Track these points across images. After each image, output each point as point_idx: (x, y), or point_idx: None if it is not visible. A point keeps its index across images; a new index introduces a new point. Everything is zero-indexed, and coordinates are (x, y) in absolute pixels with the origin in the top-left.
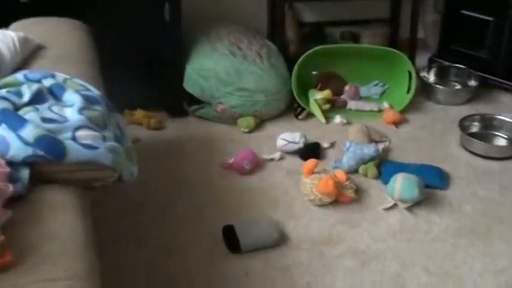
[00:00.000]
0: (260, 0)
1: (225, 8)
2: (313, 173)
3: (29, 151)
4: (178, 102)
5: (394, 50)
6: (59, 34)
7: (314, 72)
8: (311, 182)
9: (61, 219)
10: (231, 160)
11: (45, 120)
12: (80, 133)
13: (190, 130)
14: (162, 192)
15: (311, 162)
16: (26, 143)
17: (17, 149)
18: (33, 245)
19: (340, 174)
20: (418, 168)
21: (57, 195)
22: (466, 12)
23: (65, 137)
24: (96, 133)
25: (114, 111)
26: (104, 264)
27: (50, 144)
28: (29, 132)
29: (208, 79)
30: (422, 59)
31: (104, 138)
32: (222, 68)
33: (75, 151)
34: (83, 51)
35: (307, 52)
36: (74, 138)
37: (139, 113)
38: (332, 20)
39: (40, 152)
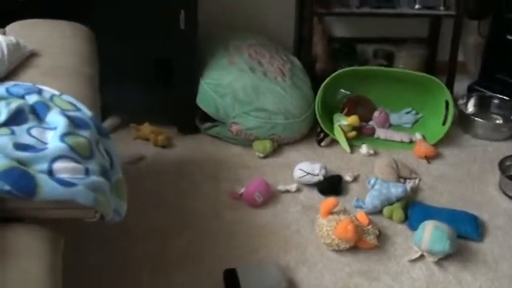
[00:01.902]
0: (287, 11)
1: (247, 18)
2: (331, 213)
3: None
4: (190, 118)
5: (431, 77)
6: (57, 40)
7: (342, 91)
8: (328, 224)
9: (22, 269)
10: (242, 190)
11: (18, 147)
12: (58, 165)
13: (201, 150)
14: (160, 222)
15: (330, 202)
16: None
17: None
18: None
19: (362, 218)
20: (450, 215)
21: (23, 237)
22: None
23: (40, 169)
24: (77, 165)
25: (106, 136)
26: None
27: (19, 179)
28: None
29: (223, 96)
30: (460, 85)
31: (87, 172)
32: (239, 85)
33: (48, 188)
34: (82, 62)
35: (335, 73)
36: (50, 171)
37: (146, 128)
38: (365, 36)
39: (6, 187)
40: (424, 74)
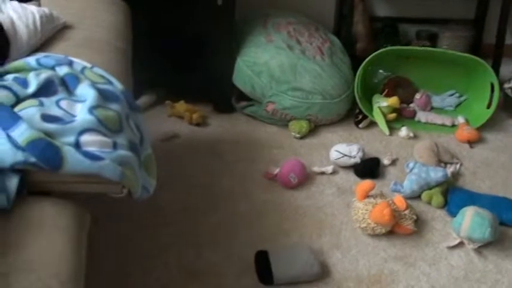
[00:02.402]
0: None
1: None
2: (368, 196)
3: (18, 156)
4: (226, 96)
5: (476, 58)
6: (91, 12)
7: (381, 71)
8: (364, 208)
9: (46, 244)
10: (276, 171)
11: (46, 118)
12: (86, 138)
13: (236, 129)
14: (191, 201)
15: (366, 184)
16: (17, 147)
17: (5, 153)
18: None
19: (400, 202)
20: (492, 201)
21: (49, 211)
22: None
23: (67, 141)
24: (105, 139)
25: (136, 110)
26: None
27: (45, 151)
28: (22, 133)
29: (260, 75)
30: (506, 69)
31: (115, 146)
32: (276, 63)
33: (74, 161)
34: (115, 36)
35: (375, 52)
36: (77, 144)
37: (181, 106)
38: (408, 16)
39: (32, 159)
40: (469, 55)
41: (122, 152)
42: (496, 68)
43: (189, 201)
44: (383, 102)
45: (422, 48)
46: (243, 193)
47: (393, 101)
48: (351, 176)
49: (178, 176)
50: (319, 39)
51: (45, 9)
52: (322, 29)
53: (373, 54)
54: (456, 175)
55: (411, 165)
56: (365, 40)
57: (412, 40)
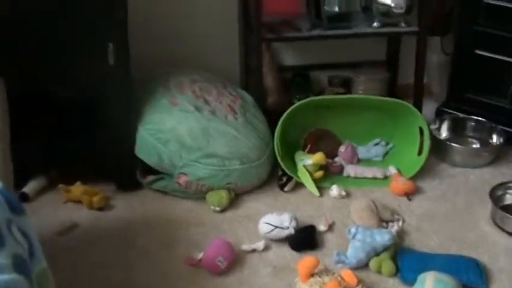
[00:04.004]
0: (230, 40)
1: (187, 50)
2: (312, 275)
3: None
4: (129, 172)
5: (401, 101)
6: None
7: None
8: None
9: None
10: (200, 255)
11: None
12: None
13: (145, 209)
14: None
15: (309, 261)
16: None
17: None
18: None
19: (349, 277)
20: (447, 262)
21: None
22: (482, 53)
23: None
24: None
25: (21, 213)
26: None
27: None
28: None
29: (167, 143)
30: (426, 109)
31: None
32: (185, 128)
33: None
34: None
35: (292, 107)
36: None
37: (77, 188)
38: (318, 63)
39: None
40: (393, 99)
41: (3, 277)
42: (418, 109)
43: None
44: (307, 160)
45: (341, 96)
46: (163, 287)
47: (318, 157)
48: (286, 250)
49: (85, 276)
50: (229, 97)
51: None
52: (229, 85)
53: (289, 110)
54: (400, 234)
55: (353, 230)
56: (276, 93)
57: (325, 87)
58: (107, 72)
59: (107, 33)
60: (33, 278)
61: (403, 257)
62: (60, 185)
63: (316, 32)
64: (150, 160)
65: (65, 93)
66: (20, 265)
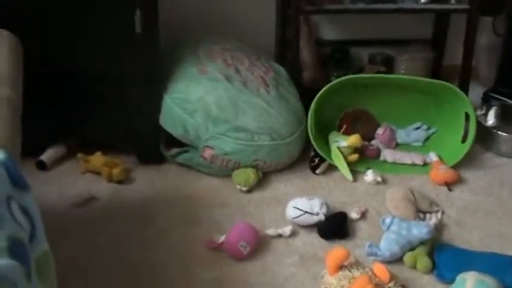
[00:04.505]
0: (267, 10)
1: (220, 17)
2: (341, 267)
3: None
4: (153, 143)
5: (447, 84)
6: None
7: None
8: (339, 284)
9: None
10: (222, 239)
11: None
12: None
13: (168, 184)
14: (116, 284)
15: (339, 252)
16: None
17: None
18: None
19: (382, 272)
20: (489, 261)
21: None
22: None
23: None
24: None
25: (25, 189)
26: None
27: None
28: None
29: (193, 114)
30: (472, 93)
31: None
32: (212, 99)
33: None
34: None
35: (329, 84)
36: None
37: (97, 159)
38: (359, 38)
39: None
40: (437, 81)
41: None
42: (465, 94)
43: (113, 284)
44: (342, 142)
45: (382, 75)
46: (180, 270)
47: (354, 139)
48: (315, 238)
49: (99, 252)
50: (262, 68)
51: None
52: (263, 56)
53: (327, 86)
54: (439, 227)
55: (388, 221)
56: (312, 68)
57: (365, 65)
58: (134, 41)
59: None
60: (31, 262)
61: (440, 253)
62: (79, 155)
63: (359, 5)
64: (175, 131)
65: (89, 62)
66: (16, 249)
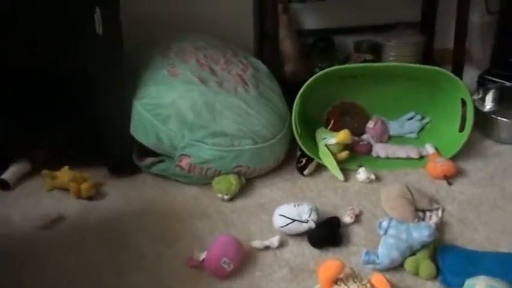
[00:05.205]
0: (243, 1)
1: (190, 13)
2: (336, 281)
3: None
4: (124, 154)
5: (440, 69)
6: None
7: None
8: None
9: None
10: (203, 256)
11: None
12: None
13: (142, 198)
14: None
15: (332, 266)
16: None
17: None
18: None
19: (381, 283)
20: (498, 262)
21: None
22: None
23: None
24: None
25: None
26: None
27: None
28: None
29: (166, 121)
30: (465, 78)
31: None
32: (187, 103)
33: None
34: None
35: (313, 77)
36: None
37: (64, 174)
38: (343, 26)
39: None
40: (429, 66)
41: None
42: (459, 79)
43: None
44: (330, 139)
45: (369, 64)
46: None
47: (343, 135)
48: (306, 247)
49: (69, 279)
50: (239, 66)
51: None
52: (241, 52)
53: (311, 79)
54: (441, 226)
55: (385, 224)
56: (294, 60)
57: (350, 55)
58: (95, 43)
59: None
60: None
61: (444, 257)
62: (44, 171)
63: None
64: (147, 141)
65: (47, 67)
66: None
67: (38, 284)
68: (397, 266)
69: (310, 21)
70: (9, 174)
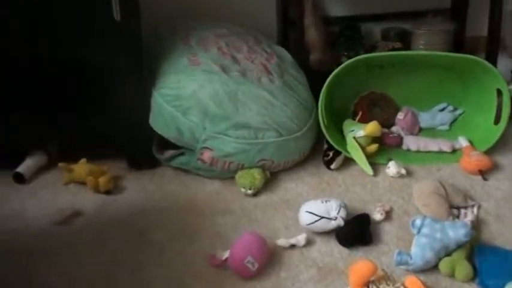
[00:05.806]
0: None
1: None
2: (367, 284)
3: None
4: (144, 146)
5: (475, 58)
6: None
7: None
8: None
9: None
10: (225, 255)
11: None
12: None
13: (163, 192)
14: None
15: (364, 267)
16: None
17: None
18: None
19: (415, 285)
20: None
21: None
22: None
23: None
24: None
25: None
26: None
27: None
28: None
29: (187, 112)
30: (499, 67)
31: None
32: (208, 93)
33: None
34: None
35: (340, 66)
36: None
37: (81, 167)
38: (370, 13)
39: None
40: (462, 55)
41: None
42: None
43: None
44: (359, 131)
45: (398, 52)
46: None
47: (372, 127)
48: (334, 246)
49: (87, 277)
50: (263, 55)
51: None
52: (264, 40)
53: (339, 68)
54: (477, 224)
55: (418, 222)
56: (320, 49)
57: (379, 43)
58: (114, 30)
59: None
60: None
61: (482, 257)
62: (61, 164)
63: None
64: (167, 133)
65: (64, 56)
66: None
67: (51, 282)
68: (431, 268)
69: (336, 8)
70: (24, 167)
